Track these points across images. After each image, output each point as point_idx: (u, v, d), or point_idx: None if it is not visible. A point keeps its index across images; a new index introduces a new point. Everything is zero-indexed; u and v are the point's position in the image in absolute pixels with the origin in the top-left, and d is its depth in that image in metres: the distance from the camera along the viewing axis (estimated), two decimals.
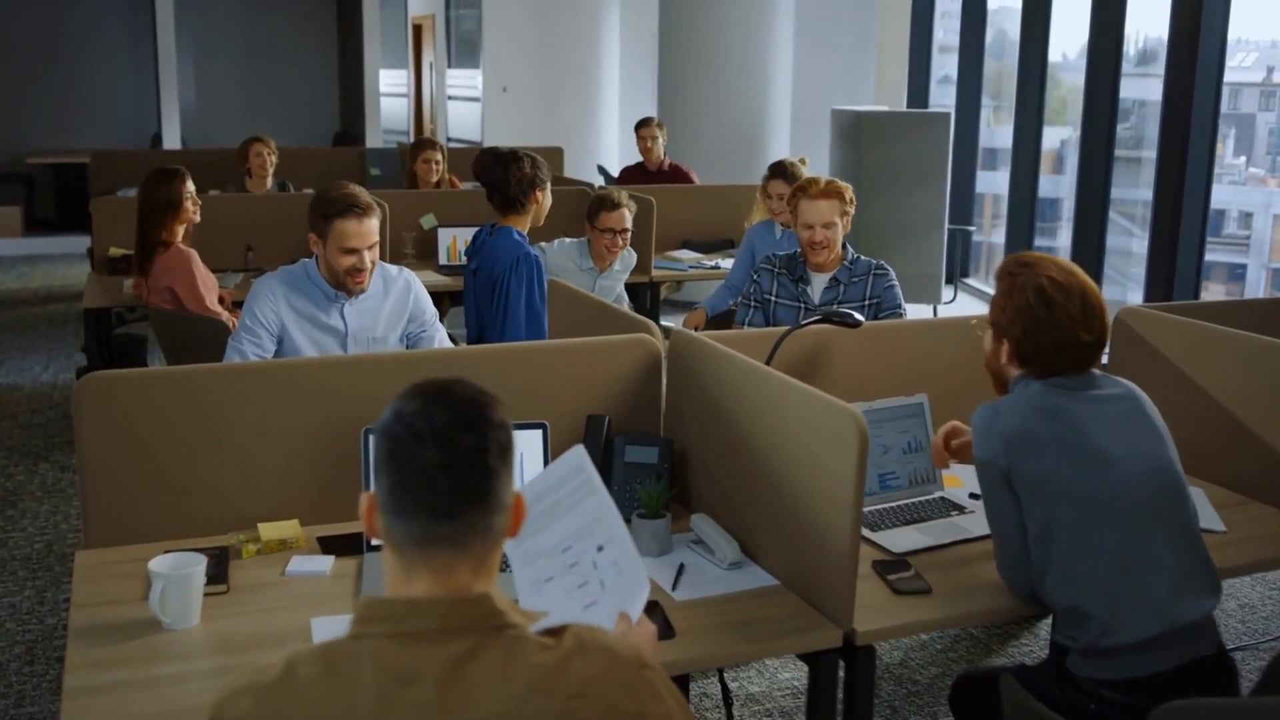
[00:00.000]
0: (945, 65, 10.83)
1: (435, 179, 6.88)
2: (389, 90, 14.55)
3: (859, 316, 2.72)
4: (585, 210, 4.79)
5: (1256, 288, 9.55)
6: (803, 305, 3.79)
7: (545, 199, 3.99)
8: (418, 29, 16.50)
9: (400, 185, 8.88)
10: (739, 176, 7.97)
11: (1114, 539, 2.03)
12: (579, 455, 1.61)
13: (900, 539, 2.40)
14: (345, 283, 3.23)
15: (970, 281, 9.35)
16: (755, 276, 3.90)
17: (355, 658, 1.25)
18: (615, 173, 10.29)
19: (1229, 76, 10.53)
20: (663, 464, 2.49)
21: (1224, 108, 11.27)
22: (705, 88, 8.37)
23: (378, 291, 3.32)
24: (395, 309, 3.35)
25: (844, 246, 3.81)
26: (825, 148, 8.70)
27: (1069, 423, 2.11)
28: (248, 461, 2.36)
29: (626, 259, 4.92)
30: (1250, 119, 10.70)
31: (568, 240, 4.87)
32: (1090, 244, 7.53)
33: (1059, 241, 9.07)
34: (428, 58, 16.29)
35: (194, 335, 4.57)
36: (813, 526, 2.08)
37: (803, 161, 5.08)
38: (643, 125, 7.43)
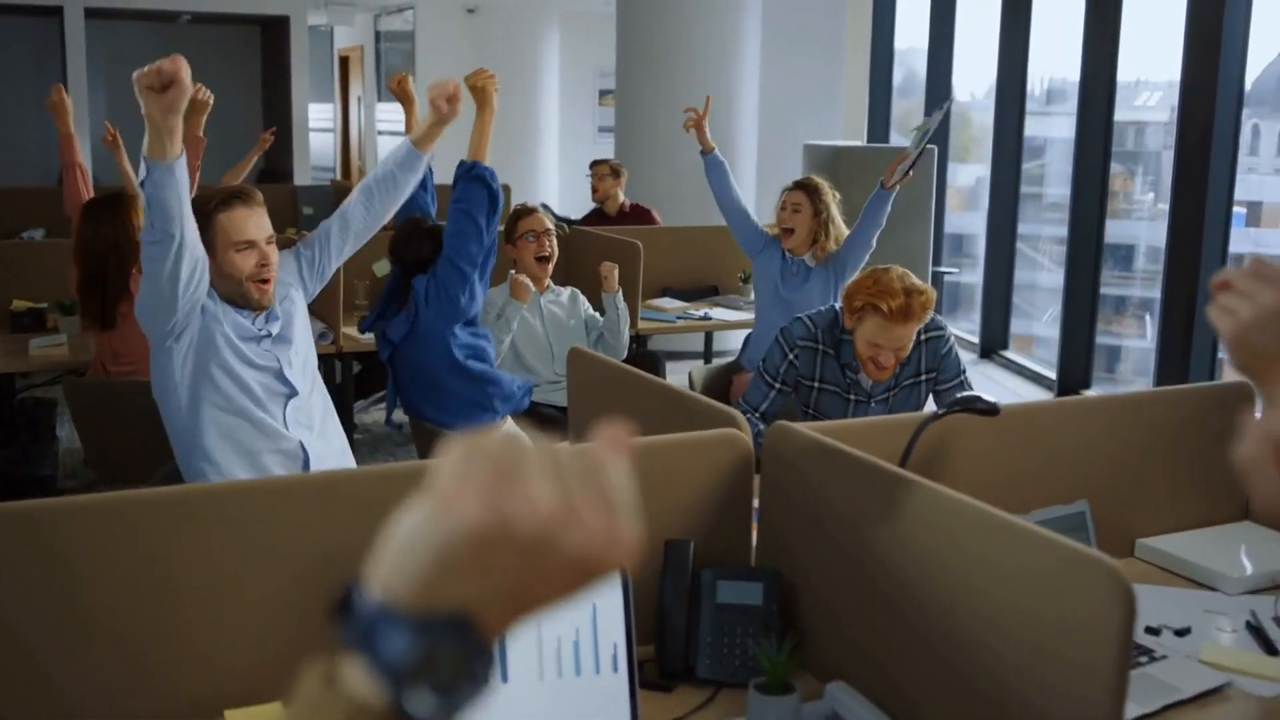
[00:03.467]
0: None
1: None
2: (314, 125, 13.83)
3: (991, 400, 2.13)
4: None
5: (1147, 316, 9.62)
6: (854, 397, 3.17)
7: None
8: (344, 61, 15.81)
9: None
10: (703, 217, 7.41)
11: None
12: None
13: None
14: (250, 292, 2.79)
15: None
16: (790, 357, 3.16)
17: None
18: (558, 210, 9.79)
19: (1136, 115, 10.68)
20: (770, 606, 1.87)
21: (1131, 145, 11.43)
22: (665, 124, 7.80)
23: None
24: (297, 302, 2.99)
25: None
26: None
27: None
28: (211, 623, 1.69)
29: (562, 290, 4.52)
30: (1156, 156, 10.96)
31: (494, 288, 4.37)
32: (1085, 284, 7.13)
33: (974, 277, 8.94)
34: (355, 91, 15.59)
35: (112, 402, 3.87)
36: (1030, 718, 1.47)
37: (833, 192, 4.52)
38: (592, 165, 6.90)
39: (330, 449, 3.01)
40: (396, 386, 3.80)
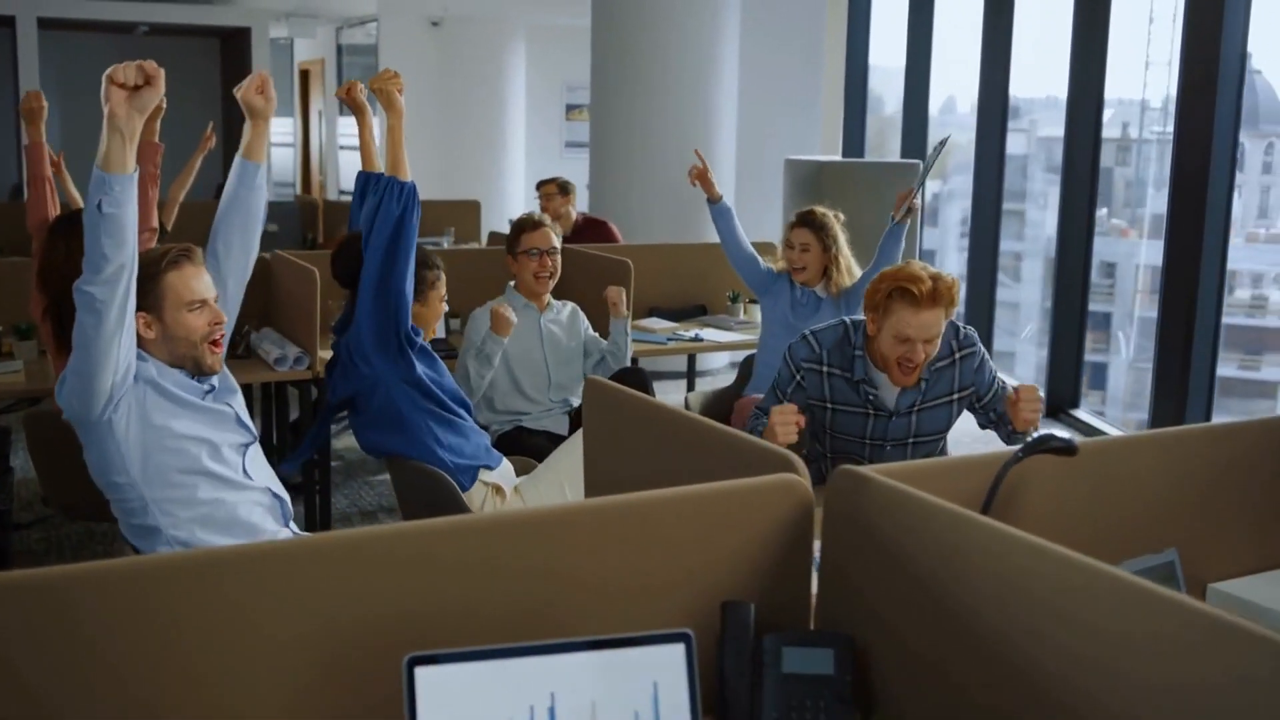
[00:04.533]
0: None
1: None
2: (273, 140, 13.53)
3: (1067, 437, 1.93)
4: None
5: (1119, 333, 9.74)
6: (873, 411, 3.01)
7: (438, 296, 3.50)
8: (305, 75, 15.52)
9: (297, 243, 8.01)
10: (678, 234, 7.23)
11: None
12: None
13: None
14: (203, 356, 2.62)
15: None
16: (798, 378, 3.04)
17: None
18: None
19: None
20: (843, 676, 1.65)
21: None
22: (639, 139, 7.62)
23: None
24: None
25: None
26: (777, 200, 8.02)
27: None
28: (238, 688, 1.45)
29: (562, 308, 4.26)
30: (1109, 173, 11.17)
31: (491, 301, 4.15)
32: (1072, 304, 7.01)
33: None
34: (316, 105, 15.30)
35: (73, 435, 3.59)
36: None
37: (837, 217, 4.34)
38: (538, 185, 6.69)
39: (284, 494, 2.84)
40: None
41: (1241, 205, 10.99)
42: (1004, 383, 3.11)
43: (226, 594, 1.43)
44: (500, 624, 1.56)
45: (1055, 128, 8.31)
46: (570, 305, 4.33)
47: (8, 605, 1.34)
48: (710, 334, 5.29)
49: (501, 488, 3.30)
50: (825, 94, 9.52)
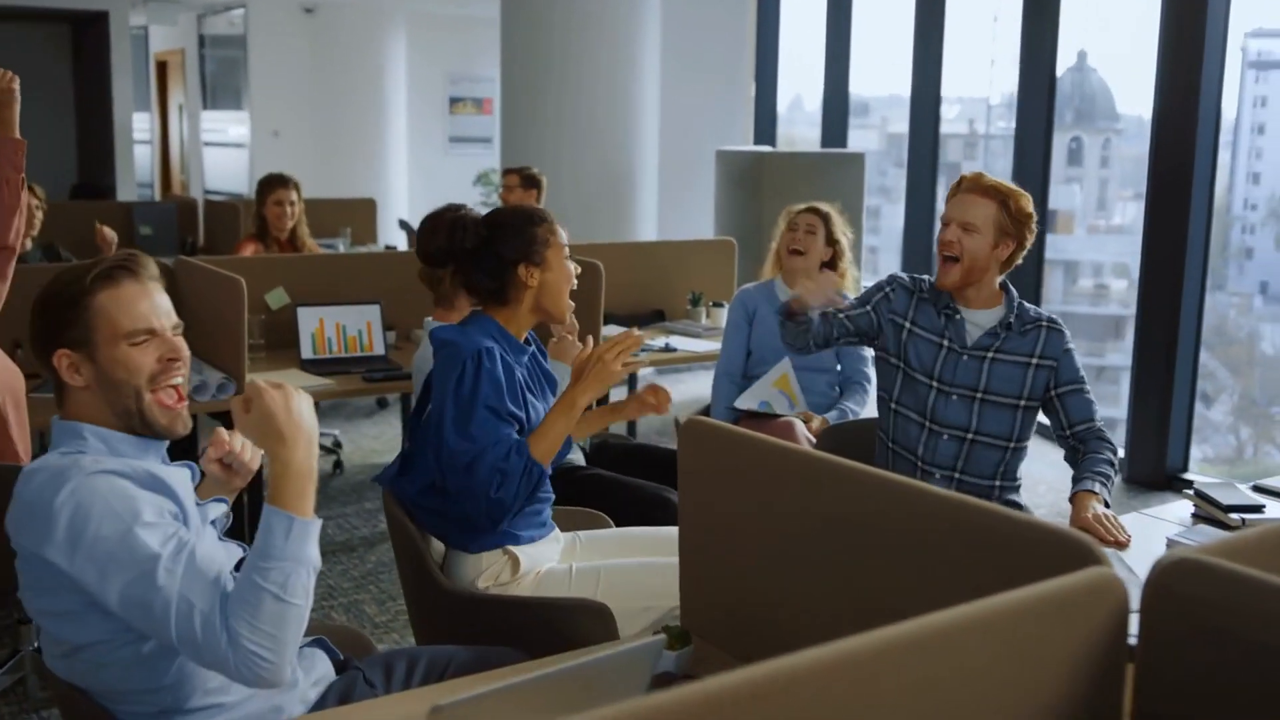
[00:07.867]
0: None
1: (292, 224, 5.35)
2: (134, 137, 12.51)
3: None
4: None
5: None
6: (948, 344, 2.91)
7: (560, 258, 2.57)
8: (162, 66, 14.47)
9: (175, 248, 7.28)
10: (596, 231, 6.70)
11: None
12: None
13: None
14: (152, 409, 1.83)
15: None
16: (887, 289, 2.99)
17: None
18: (412, 223, 9.01)
19: (946, 129, 10.69)
20: None
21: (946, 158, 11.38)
22: (552, 134, 7.08)
23: None
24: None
25: (1005, 289, 2.94)
26: (708, 194, 7.55)
27: None
28: None
29: None
30: (955, 167, 11.31)
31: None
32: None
33: None
34: (176, 99, 14.26)
35: None
36: None
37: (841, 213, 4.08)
38: (503, 174, 6.13)
39: None
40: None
41: (1082, 198, 11.21)
42: (1090, 401, 2.94)
43: None
44: None
45: (904, 124, 8.18)
46: None
47: None
48: (680, 343, 4.76)
49: (519, 561, 2.51)
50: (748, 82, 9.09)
